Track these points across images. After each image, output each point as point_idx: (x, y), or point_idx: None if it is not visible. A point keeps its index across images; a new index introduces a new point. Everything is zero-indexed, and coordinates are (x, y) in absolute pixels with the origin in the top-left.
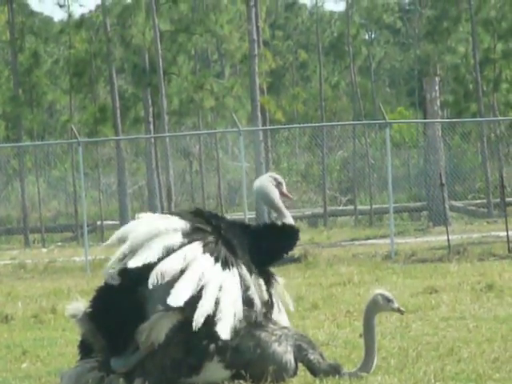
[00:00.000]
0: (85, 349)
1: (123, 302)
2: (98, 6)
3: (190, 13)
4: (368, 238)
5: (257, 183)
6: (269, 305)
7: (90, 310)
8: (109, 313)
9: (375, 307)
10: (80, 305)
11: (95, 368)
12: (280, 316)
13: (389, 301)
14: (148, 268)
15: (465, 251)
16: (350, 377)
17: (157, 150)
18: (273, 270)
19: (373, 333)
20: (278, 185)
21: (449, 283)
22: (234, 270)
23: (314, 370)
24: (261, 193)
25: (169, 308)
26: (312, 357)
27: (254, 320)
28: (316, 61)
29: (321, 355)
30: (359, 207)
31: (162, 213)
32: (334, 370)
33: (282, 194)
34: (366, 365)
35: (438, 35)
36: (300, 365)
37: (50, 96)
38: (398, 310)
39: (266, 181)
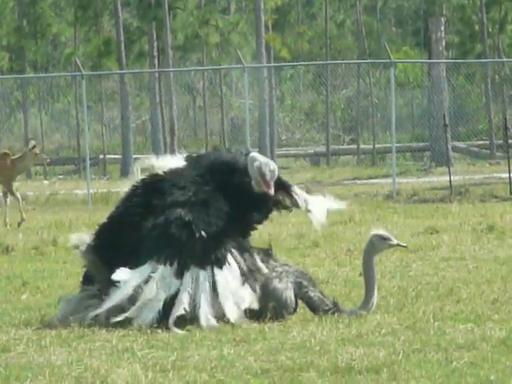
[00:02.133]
0: (87, 280)
1: (127, 235)
2: None
3: None
4: (370, 178)
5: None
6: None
7: (94, 241)
8: (112, 245)
9: (373, 249)
10: (84, 236)
11: (95, 296)
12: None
13: (385, 239)
14: (152, 205)
15: (466, 192)
16: (349, 315)
17: (161, 85)
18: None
19: (372, 273)
20: (262, 176)
21: (450, 224)
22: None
23: (313, 307)
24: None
25: None
26: (312, 294)
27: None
28: None
29: (321, 293)
30: (362, 146)
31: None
32: (334, 308)
33: (264, 181)
34: (365, 304)
35: None
36: (299, 302)
37: (54, 28)
38: (398, 245)
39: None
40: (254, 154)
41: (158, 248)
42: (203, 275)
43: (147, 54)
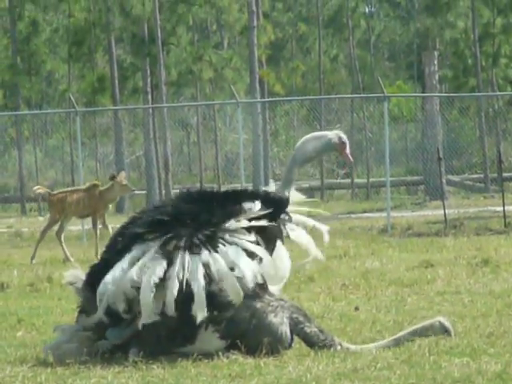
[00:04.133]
0: (83, 313)
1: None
2: None
3: None
4: (364, 212)
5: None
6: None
7: (88, 278)
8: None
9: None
10: (78, 272)
11: (91, 329)
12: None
13: (446, 331)
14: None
15: (461, 226)
16: (345, 350)
17: (155, 121)
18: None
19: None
20: (342, 144)
21: (445, 257)
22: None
23: (310, 342)
24: (311, 139)
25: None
26: (308, 330)
27: (251, 290)
28: (315, 33)
29: (318, 328)
30: (356, 180)
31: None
32: (331, 343)
33: (343, 154)
34: (391, 342)
35: (438, 9)
36: (295, 337)
37: (48, 65)
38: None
39: (326, 134)
40: (309, 134)
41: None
42: (195, 260)
43: (141, 90)
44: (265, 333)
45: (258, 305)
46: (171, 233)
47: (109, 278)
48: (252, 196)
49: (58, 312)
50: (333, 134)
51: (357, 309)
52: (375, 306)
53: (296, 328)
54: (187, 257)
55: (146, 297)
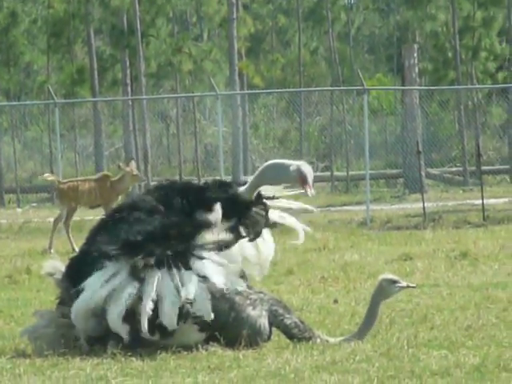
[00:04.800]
0: (62, 302)
1: (101, 263)
2: None
3: None
4: (344, 205)
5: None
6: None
7: (68, 269)
8: (86, 274)
9: (383, 294)
10: (57, 263)
11: (69, 317)
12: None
13: (394, 282)
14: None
15: (440, 219)
16: (324, 342)
17: (134, 113)
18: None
19: (376, 316)
20: (301, 178)
21: (423, 250)
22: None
23: (290, 334)
24: (273, 167)
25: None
26: (288, 321)
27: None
28: (295, 26)
29: (298, 320)
30: (336, 173)
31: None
32: (310, 335)
33: (303, 187)
34: (356, 336)
35: (418, 2)
36: (274, 330)
37: (27, 56)
38: (408, 287)
39: (289, 165)
40: (274, 161)
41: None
42: (169, 277)
43: (120, 82)
44: (244, 325)
45: (237, 298)
46: (143, 251)
47: (80, 301)
48: (214, 199)
49: (37, 303)
50: (294, 167)
51: (336, 301)
52: (354, 299)
53: (275, 320)
54: (159, 275)
55: (115, 322)
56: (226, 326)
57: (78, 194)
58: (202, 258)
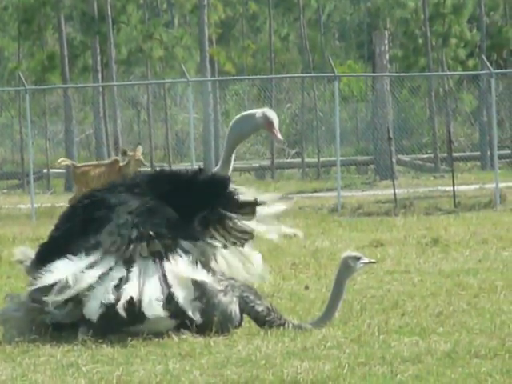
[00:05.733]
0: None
1: (72, 249)
2: None
3: None
4: (315, 191)
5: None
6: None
7: (38, 256)
8: (57, 260)
9: (348, 271)
10: (28, 250)
11: (39, 302)
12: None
13: (358, 259)
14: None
15: (411, 205)
16: (297, 328)
17: (104, 99)
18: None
19: (341, 296)
20: (269, 123)
21: (394, 237)
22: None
23: (260, 321)
24: (240, 120)
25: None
26: (260, 308)
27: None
28: (266, 13)
29: (268, 306)
30: (307, 160)
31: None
32: (281, 321)
33: (271, 132)
34: (322, 320)
35: None
36: (245, 316)
37: None
38: (370, 263)
39: (254, 113)
40: (237, 116)
41: (104, 242)
42: (152, 267)
43: (91, 68)
44: (214, 311)
45: (208, 284)
46: (130, 240)
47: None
48: (192, 181)
49: (7, 290)
50: (260, 113)
51: (307, 288)
52: (325, 285)
53: (246, 307)
54: (144, 264)
55: (94, 308)
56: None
57: (88, 178)
58: (186, 252)
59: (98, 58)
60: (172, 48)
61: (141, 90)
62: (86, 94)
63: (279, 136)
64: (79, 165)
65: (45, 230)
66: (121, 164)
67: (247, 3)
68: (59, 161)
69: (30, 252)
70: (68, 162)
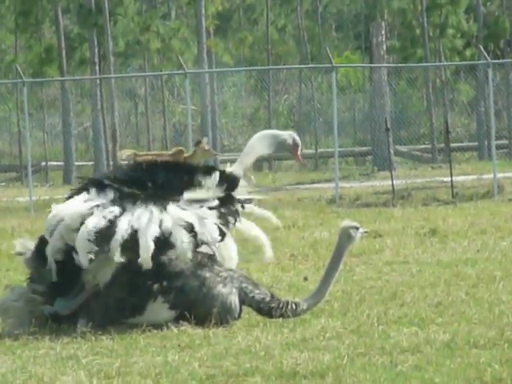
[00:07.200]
0: (33, 280)
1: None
2: None
3: None
4: (313, 182)
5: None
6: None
7: (38, 248)
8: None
9: (349, 240)
10: (28, 242)
11: (40, 293)
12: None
13: (357, 228)
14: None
15: (409, 196)
16: (294, 310)
17: (102, 92)
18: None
19: (338, 267)
20: (295, 145)
21: (393, 228)
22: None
23: (264, 309)
24: (268, 136)
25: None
26: (260, 297)
27: (200, 261)
28: (263, 4)
29: (267, 294)
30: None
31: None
32: (280, 305)
33: (295, 155)
34: (316, 296)
35: None
36: (244, 307)
37: None
38: (365, 232)
39: (281, 134)
40: (263, 132)
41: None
42: (149, 213)
43: (88, 61)
44: (214, 303)
45: (207, 275)
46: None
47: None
48: (209, 170)
49: (6, 283)
50: (287, 135)
51: (306, 279)
52: None
53: (247, 297)
54: (140, 209)
55: (83, 240)
56: (196, 304)
57: None
58: (183, 209)
59: (96, 50)
60: (169, 40)
61: (138, 82)
62: (83, 86)
63: (301, 160)
64: (141, 153)
65: (43, 223)
66: (185, 154)
67: None
68: (122, 152)
69: (29, 244)
70: (129, 152)
